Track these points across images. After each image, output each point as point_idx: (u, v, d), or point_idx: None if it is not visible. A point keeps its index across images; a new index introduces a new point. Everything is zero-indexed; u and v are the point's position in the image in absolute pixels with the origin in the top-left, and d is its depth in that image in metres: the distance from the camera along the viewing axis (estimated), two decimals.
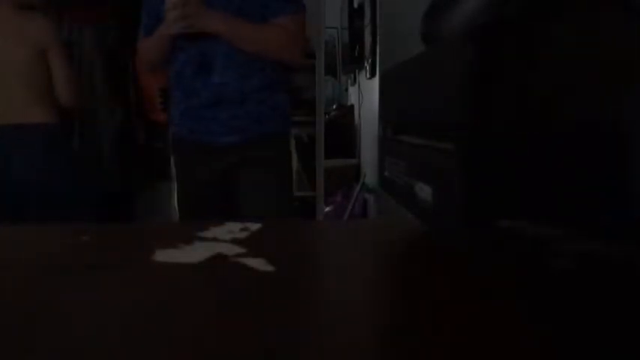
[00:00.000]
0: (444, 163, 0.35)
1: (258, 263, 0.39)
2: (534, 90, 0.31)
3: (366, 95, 3.04)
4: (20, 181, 1.78)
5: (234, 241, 0.46)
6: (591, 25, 0.31)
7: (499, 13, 0.33)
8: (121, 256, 0.44)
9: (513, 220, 0.31)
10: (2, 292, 0.35)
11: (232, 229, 0.51)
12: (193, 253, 0.42)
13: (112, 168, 2.40)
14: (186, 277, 0.38)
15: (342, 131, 3.46)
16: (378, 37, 2.61)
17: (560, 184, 0.31)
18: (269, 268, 0.39)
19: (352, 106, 3.64)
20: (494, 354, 0.25)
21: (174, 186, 1.61)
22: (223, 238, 0.47)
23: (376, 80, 2.68)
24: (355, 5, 3.18)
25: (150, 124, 2.50)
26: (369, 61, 2.77)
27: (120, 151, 2.45)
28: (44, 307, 0.32)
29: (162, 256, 0.42)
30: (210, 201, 1.38)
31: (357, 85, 3.35)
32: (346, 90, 3.99)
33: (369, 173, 2.99)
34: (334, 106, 3.82)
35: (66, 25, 2.36)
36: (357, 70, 3.30)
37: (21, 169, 1.78)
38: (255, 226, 0.52)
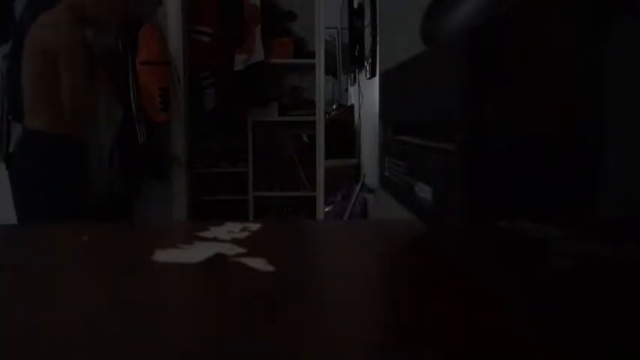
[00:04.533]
0: (444, 163, 0.35)
1: (258, 263, 0.39)
2: (534, 89, 0.31)
3: (366, 95, 3.04)
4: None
5: (234, 241, 0.46)
6: (591, 25, 0.31)
7: (498, 13, 0.33)
8: (120, 257, 0.44)
9: (513, 220, 0.31)
10: (2, 292, 0.35)
11: (232, 229, 0.51)
12: (193, 253, 0.42)
13: (112, 168, 2.39)
14: (186, 277, 0.38)
15: (342, 131, 3.46)
16: (378, 37, 2.61)
17: (559, 184, 0.31)
18: (269, 268, 0.39)
19: (352, 106, 3.64)
20: (495, 354, 0.25)
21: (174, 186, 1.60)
22: (223, 238, 0.47)
23: (376, 80, 2.68)
24: (355, 5, 3.18)
25: (150, 124, 2.50)
26: (369, 61, 2.77)
27: (120, 151, 2.44)
28: (43, 307, 0.32)
29: (163, 256, 0.42)
30: None
31: (357, 85, 3.35)
32: (346, 90, 3.99)
33: (369, 173, 2.99)
34: (334, 106, 3.82)
35: None
36: (357, 70, 3.30)
37: None
38: (255, 226, 0.52)
